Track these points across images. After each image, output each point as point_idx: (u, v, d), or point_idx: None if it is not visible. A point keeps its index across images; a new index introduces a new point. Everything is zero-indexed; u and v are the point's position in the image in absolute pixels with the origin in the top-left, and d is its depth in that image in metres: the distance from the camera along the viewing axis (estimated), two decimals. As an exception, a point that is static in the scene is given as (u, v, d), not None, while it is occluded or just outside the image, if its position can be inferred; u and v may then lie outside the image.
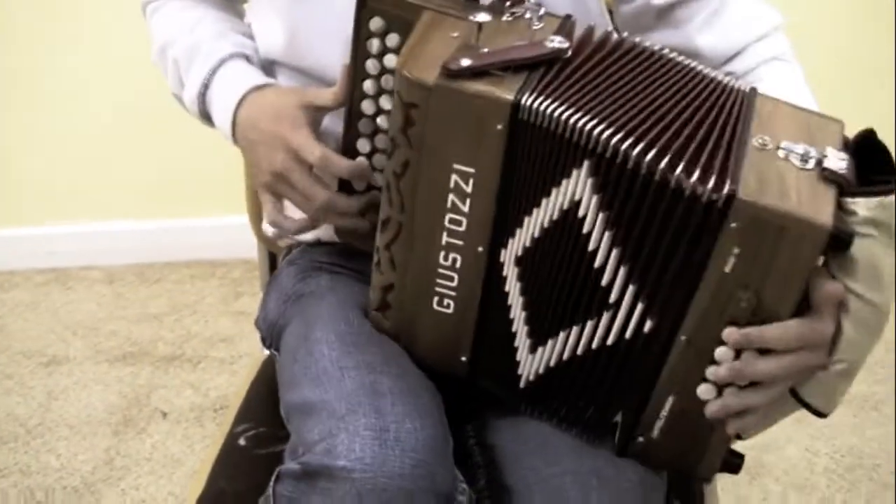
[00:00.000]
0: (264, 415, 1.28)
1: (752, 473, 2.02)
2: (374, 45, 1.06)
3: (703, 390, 0.98)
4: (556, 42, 0.99)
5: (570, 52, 0.99)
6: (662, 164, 0.90)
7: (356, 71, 1.09)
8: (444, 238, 1.01)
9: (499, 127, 0.94)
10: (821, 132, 0.98)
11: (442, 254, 1.02)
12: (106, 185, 2.73)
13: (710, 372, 0.96)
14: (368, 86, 1.09)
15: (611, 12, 1.26)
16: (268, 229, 1.35)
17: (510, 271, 1.02)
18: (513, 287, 1.03)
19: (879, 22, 2.53)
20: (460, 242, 1.01)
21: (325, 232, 1.25)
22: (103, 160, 2.69)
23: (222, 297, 2.63)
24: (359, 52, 1.07)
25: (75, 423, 2.21)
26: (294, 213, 1.16)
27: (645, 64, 1.02)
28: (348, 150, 1.13)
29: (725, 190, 0.88)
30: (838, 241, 0.88)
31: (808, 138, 0.96)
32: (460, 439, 1.14)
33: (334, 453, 0.97)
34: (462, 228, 1.00)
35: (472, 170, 0.97)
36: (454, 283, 1.04)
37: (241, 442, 1.27)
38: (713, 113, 0.98)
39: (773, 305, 0.92)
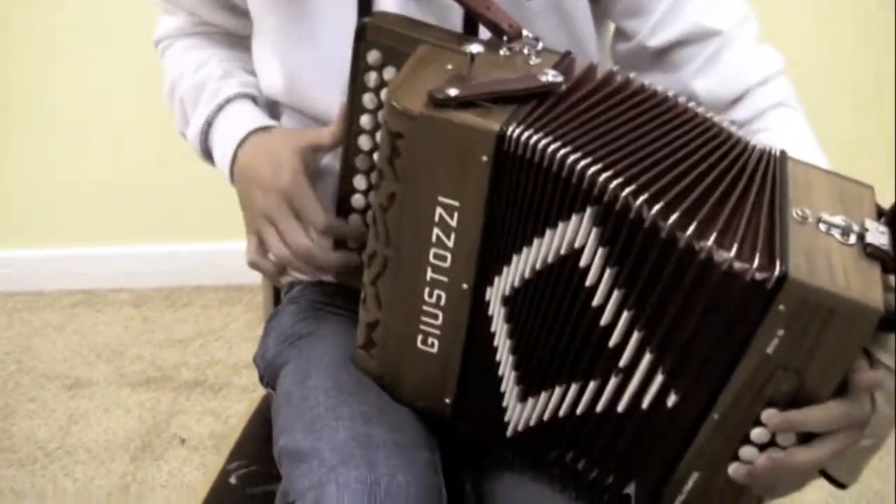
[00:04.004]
0: (258, 453, 1.26)
1: (773, 519, 1.95)
2: (372, 78, 1.04)
3: (734, 469, 0.92)
4: (551, 76, 0.95)
5: (564, 87, 0.95)
6: (689, 231, 0.85)
7: (353, 106, 1.06)
8: (429, 274, 0.98)
9: (483, 159, 0.91)
10: (854, 201, 0.94)
11: (427, 290, 0.99)
12: (137, 208, 2.73)
13: (744, 453, 0.91)
14: (365, 121, 1.07)
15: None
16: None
17: (496, 311, 0.98)
18: (500, 328, 0.99)
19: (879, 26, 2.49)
20: (445, 279, 0.98)
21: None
22: (134, 183, 2.69)
23: (247, 323, 2.62)
24: (356, 86, 1.05)
25: (94, 447, 2.20)
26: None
27: (654, 109, 0.97)
28: (345, 187, 1.11)
29: (777, 272, 0.82)
30: (888, 325, 0.83)
31: (844, 209, 0.92)
32: (457, 484, 1.11)
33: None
34: (447, 264, 0.97)
35: (456, 203, 0.94)
36: (439, 322, 1.00)
37: (233, 480, 1.24)
38: (743, 177, 0.93)
39: (814, 387, 0.86)
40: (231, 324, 2.64)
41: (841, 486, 0.97)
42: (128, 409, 2.33)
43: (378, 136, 1.06)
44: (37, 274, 2.79)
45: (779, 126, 1.13)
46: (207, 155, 1.23)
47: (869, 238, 0.88)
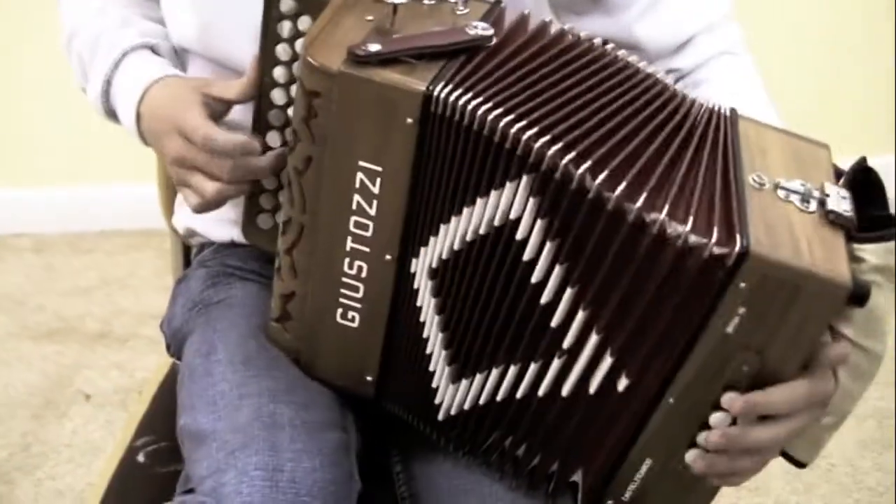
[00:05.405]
0: (168, 427, 1.17)
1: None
2: (286, 28, 0.98)
3: (691, 456, 0.87)
4: (480, 28, 0.89)
5: (494, 41, 0.89)
6: (639, 202, 0.79)
7: (266, 57, 0.99)
8: (349, 244, 0.92)
9: (409, 121, 0.85)
10: (812, 163, 0.89)
11: (346, 261, 0.93)
12: (39, 149, 2.61)
13: (702, 438, 0.86)
14: (279, 73, 1.00)
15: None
16: (178, 222, 1.25)
17: (423, 284, 0.92)
18: (426, 303, 0.93)
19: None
20: (366, 249, 0.92)
21: (238, 233, 1.13)
22: (37, 122, 2.58)
23: (155, 270, 2.51)
24: (269, 36, 0.99)
25: (-8, 405, 2.10)
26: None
27: (592, 65, 0.91)
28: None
29: (737, 247, 0.77)
30: (856, 299, 0.78)
31: (801, 172, 0.86)
32: (385, 466, 1.06)
33: (220, 494, 0.88)
34: (368, 234, 0.91)
35: (379, 168, 0.88)
36: (360, 294, 0.94)
37: (141, 458, 1.17)
38: (693, 140, 0.88)
39: (777, 366, 0.82)
40: (138, 271, 2.53)
41: (800, 465, 0.93)
42: (29, 364, 2.22)
43: (292, 89, 1.00)
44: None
45: (723, 75, 1.09)
46: (112, 115, 1.14)
47: (830, 204, 0.82)
